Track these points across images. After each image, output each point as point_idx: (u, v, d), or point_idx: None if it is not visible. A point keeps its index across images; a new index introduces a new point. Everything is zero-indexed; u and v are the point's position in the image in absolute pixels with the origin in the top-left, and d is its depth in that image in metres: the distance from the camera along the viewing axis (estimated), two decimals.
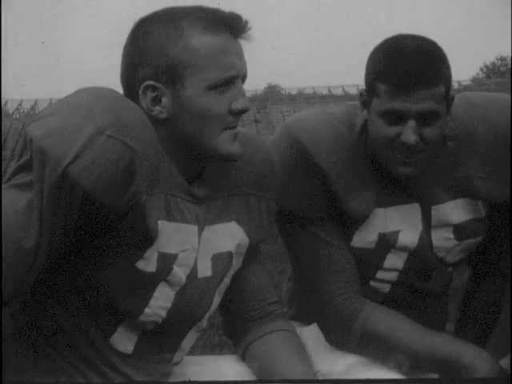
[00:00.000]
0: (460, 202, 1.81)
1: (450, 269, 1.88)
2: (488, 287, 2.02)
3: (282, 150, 1.75)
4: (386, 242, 1.80)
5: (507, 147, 1.77)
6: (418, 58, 1.64)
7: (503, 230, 1.93)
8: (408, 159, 1.68)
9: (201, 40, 1.45)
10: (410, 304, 1.87)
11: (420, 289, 1.88)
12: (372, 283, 1.85)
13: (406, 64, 1.63)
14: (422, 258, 1.82)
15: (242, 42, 1.50)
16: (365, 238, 1.80)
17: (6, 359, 1.48)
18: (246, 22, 1.49)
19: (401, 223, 1.80)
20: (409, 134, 1.64)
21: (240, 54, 1.49)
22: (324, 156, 1.74)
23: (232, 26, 1.47)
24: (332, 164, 1.74)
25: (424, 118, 1.65)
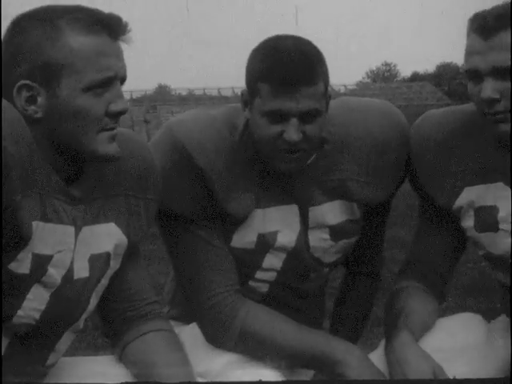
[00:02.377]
0: (336, 203, 1.85)
1: (326, 269, 1.93)
2: (360, 285, 2.09)
3: (163, 151, 1.75)
4: (265, 243, 1.82)
5: (382, 152, 1.83)
6: (297, 58, 1.66)
7: (375, 230, 2.00)
8: (291, 156, 1.71)
9: (78, 40, 1.43)
10: (288, 303, 1.91)
11: (298, 288, 1.92)
12: (251, 283, 1.87)
13: (286, 64, 1.65)
14: (299, 258, 1.86)
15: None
16: (244, 238, 1.82)
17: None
18: (126, 24, 1.48)
19: (279, 224, 1.82)
20: (291, 132, 1.67)
21: (119, 56, 1.48)
22: (204, 157, 1.74)
23: (111, 27, 1.46)
24: (212, 165, 1.75)
25: (306, 116, 1.68)
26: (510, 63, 1.63)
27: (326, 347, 1.74)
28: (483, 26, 1.65)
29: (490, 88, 1.65)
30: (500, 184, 1.77)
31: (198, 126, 1.78)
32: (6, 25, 1.48)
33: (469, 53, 1.69)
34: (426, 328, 1.82)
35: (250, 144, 1.78)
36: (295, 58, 1.66)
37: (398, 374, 1.68)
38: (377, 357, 1.77)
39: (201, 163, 1.74)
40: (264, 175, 1.80)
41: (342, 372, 1.71)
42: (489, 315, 2.04)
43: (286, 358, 1.77)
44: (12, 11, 1.53)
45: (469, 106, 1.82)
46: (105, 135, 1.48)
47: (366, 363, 1.71)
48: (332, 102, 1.79)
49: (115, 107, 1.47)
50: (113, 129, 1.49)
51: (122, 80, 1.50)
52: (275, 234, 1.82)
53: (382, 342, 1.81)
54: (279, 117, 1.67)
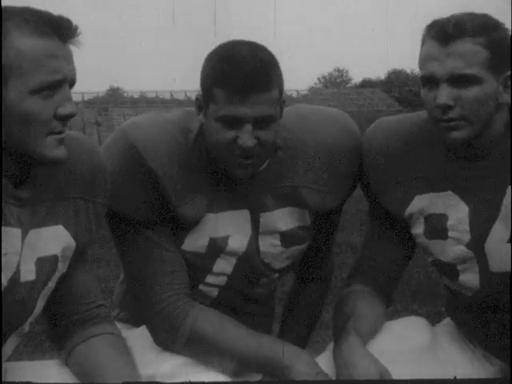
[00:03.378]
0: (287, 210, 1.86)
1: (276, 275, 1.94)
2: (310, 290, 2.11)
3: (116, 154, 1.75)
4: (216, 247, 1.83)
5: (334, 159, 1.85)
6: (252, 64, 1.67)
7: (325, 236, 2.02)
8: (245, 161, 1.72)
9: (26, 43, 1.42)
10: (238, 308, 1.91)
11: (247, 293, 1.93)
12: (201, 287, 1.87)
13: (241, 70, 1.66)
14: (250, 263, 1.86)
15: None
16: (196, 242, 1.82)
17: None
18: (76, 27, 1.47)
19: (231, 229, 1.83)
20: (245, 137, 1.68)
21: (68, 59, 1.47)
22: (158, 161, 1.74)
23: (61, 30, 1.44)
24: (165, 169, 1.75)
25: (260, 122, 1.68)
26: (466, 71, 1.66)
27: (274, 352, 1.74)
28: (442, 32, 1.67)
29: (445, 94, 1.67)
30: (449, 192, 1.80)
31: (152, 129, 1.78)
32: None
33: (425, 59, 1.71)
34: (374, 331, 1.84)
35: (203, 148, 1.78)
36: (250, 64, 1.66)
37: (345, 376, 1.70)
38: (325, 360, 1.79)
39: (154, 166, 1.74)
40: (217, 180, 1.80)
41: (290, 377, 1.72)
42: (434, 319, 2.08)
43: (235, 362, 1.77)
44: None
45: (421, 114, 1.85)
46: (53, 138, 1.47)
47: (313, 368, 1.72)
48: (286, 110, 1.81)
49: (63, 110, 1.46)
50: (61, 132, 1.48)
51: (72, 83, 1.49)
52: (226, 238, 1.83)
53: (331, 345, 1.83)
54: (233, 122, 1.68)
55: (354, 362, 1.70)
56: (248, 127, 1.68)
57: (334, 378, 1.72)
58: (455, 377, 1.72)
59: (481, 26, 1.67)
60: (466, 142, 1.72)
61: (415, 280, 4.58)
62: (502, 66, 1.69)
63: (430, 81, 1.71)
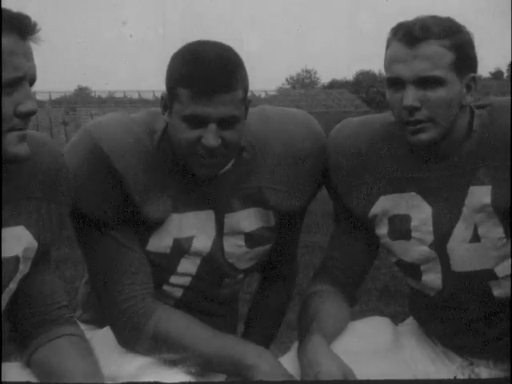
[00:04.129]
0: (252, 211, 1.87)
1: (241, 275, 1.95)
2: (275, 290, 2.12)
3: (81, 153, 1.74)
4: (180, 247, 1.83)
5: (298, 161, 1.86)
6: (216, 64, 1.67)
7: (290, 237, 2.03)
8: (209, 161, 1.72)
9: None
10: (202, 308, 1.91)
11: (212, 294, 1.93)
12: (165, 287, 1.87)
13: (206, 70, 1.66)
14: (214, 263, 1.87)
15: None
16: (160, 242, 1.82)
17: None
18: (35, 24, 1.46)
19: (195, 229, 1.83)
20: (210, 137, 1.68)
21: (28, 56, 1.46)
22: (122, 161, 1.74)
23: (20, 26, 1.43)
24: (130, 169, 1.75)
25: (224, 122, 1.69)
26: (433, 73, 1.68)
27: (238, 352, 1.74)
28: (409, 35, 1.69)
29: (411, 96, 1.69)
30: (413, 193, 1.82)
31: (117, 129, 1.78)
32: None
33: (392, 61, 1.73)
34: (338, 331, 1.85)
35: (168, 148, 1.78)
36: (215, 64, 1.67)
37: (310, 376, 1.70)
38: (290, 359, 1.80)
39: (118, 166, 1.73)
40: (182, 180, 1.80)
41: (254, 377, 1.72)
42: (400, 318, 2.10)
43: (199, 362, 1.76)
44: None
45: (386, 115, 1.86)
46: (14, 135, 1.46)
47: (277, 368, 1.72)
48: (251, 111, 1.81)
49: (24, 108, 1.45)
50: (22, 129, 1.47)
51: (32, 81, 1.48)
52: (191, 239, 1.83)
53: (295, 345, 1.84)
54: (198, 122, 1.68)
55: (317, 361, 1.71)
56: (212, 127, 1.68)
57: (298, 378, 1.73)
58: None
59: (446, 29, 1.70)
60: (431, 143, 1.74)
61: (382, 280, 4.62)
62: (466, 69, 1.72)
63: (396, 82, 1.72)
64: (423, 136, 1.72)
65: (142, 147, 1.77)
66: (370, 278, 4.53)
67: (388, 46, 1.75)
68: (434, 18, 1.73)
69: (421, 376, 1.85)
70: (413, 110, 1.70)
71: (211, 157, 1.71)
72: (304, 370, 1.72)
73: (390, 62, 1.73)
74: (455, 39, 1.70)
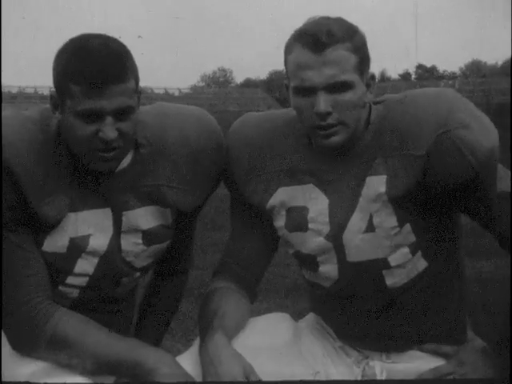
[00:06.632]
0: (149, 208, 1.86)
1: (138, 273, 1.93)
2: (166, 285, 2.11)
3: None
4: (77, 247, 1.80)
5: (196, 158, 1.87)
6: (105, 56, 1.65)
7: (186, 233, 2.03)
8: (107, 155, 1.70)
9: None
10: (99, 308, 1.89)
11: (108, 293, 1.90)
12: (61, 288, 1.83)
13: (95, 63, 1.64)
14: (111, 262, 1.85)
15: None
16: (56, 242, 1.79)
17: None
18: None
19: (92, 227, 1.81)
20: (107, 130, 1.66)
21: None
22: (16, 160, 1.70)
23: None
24: (24, 168, 1.71)
25: (120, 114, 1.67)
26: (342, 78, 1.70)
27: (138, 355, 1.73)
28: (316, 41, 1.70)
29: (324, 102, 1.71)
30: (311, 185, 1.84)
31: (11, 127, 1.74)
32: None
33: (299, 68, 1.72)
34: (239, 328, 1.87)
35: (63, 146, 1.75)
36: (103, 56, 1.65)
37: (211, 374, 1.71)
38: (190, 357, 1.80)
39: (11, 165, 1.70)
40: (79, 178, 1.78)
41: (155, 379, 1.70)
42: (304, 315, 2.13)
43: (97, 366, 1.74)
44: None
45: (288, 111, 1.88)
46: None
47: (177, 369, 1.72)
48: (148, 108, 1.81)
49: None
50: None
51: None
52: (87, 237, 1.81)
53: (197, 341, 1.84)
54: (93, 116, 1.66)
55: (219, 359, 1.72)
56: (109, 119, 1.67)
57: (199, 376, 1.74)
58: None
59: (346, 32, 1.72)
60: (343, 144, 1.77)
61: (291, 278, 4.65)
62: (365, 68, 1.76)
63: (305, 89, 1.73)
64: (336, 139, 1.75)
65: (37, 145, 1.74)
66: (279, 276, 4.57)
67: (290, 52, 1.76)
68: (333, 20, 1.75)
69: (319, 369, 1.88)
70: (325, 115, 1.72)
71: (109, 150, 1.70)
72: (205, 368, 1.73)
73: (296, 69, 1.74)
74: (355, 41, 1.73)
